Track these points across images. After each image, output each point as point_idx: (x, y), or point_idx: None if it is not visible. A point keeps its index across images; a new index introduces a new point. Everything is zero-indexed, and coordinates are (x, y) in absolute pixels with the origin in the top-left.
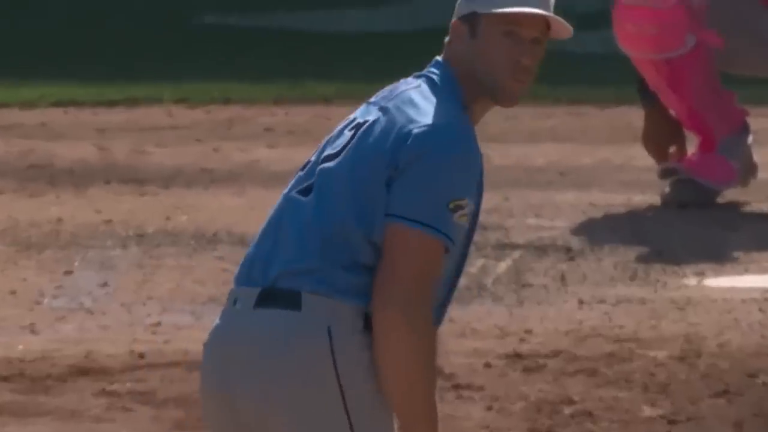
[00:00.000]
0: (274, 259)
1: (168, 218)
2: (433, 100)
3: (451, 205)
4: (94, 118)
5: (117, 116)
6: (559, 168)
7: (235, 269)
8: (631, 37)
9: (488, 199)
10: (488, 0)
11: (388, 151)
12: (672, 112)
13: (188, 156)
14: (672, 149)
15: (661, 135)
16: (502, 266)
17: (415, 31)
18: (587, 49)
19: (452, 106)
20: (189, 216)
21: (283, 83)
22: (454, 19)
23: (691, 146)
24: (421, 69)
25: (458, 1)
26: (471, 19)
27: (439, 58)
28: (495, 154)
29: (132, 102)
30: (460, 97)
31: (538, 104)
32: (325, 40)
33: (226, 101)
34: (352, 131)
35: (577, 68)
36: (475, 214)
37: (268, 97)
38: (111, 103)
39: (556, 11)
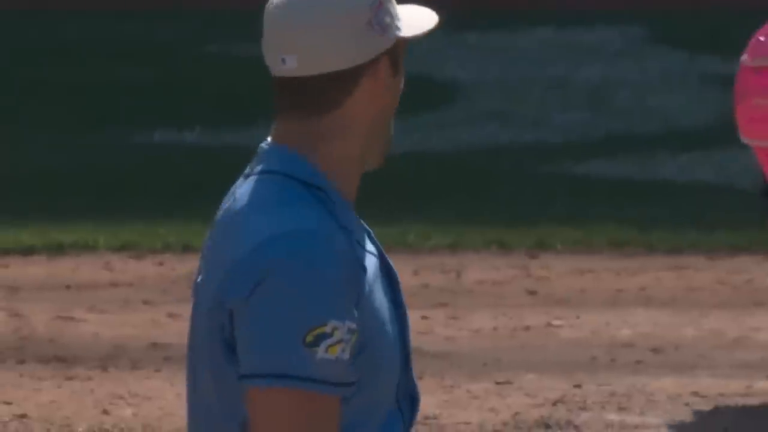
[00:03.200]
0: None
1: (106, 412)
2: (271, 204)
3: (309, 338)
4: (3, 272)
5: (35, 269)
6: (651, 343)
7: None
8: (761, 117)
9: (553, 387)
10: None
11: (214, 299)
12: None
13: (133, 325)
14: None
15: None
16: None
17: None
18: (692, 177)
19: (298, 204)
20: (135, 409)
21: None
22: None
23: None
24: None
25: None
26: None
27: None
28: (562, 324)
29: (55, 250)
30: (324, 185)
31: (622, 254)
32: None
33: (186, 248)
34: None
35: (678, 204)
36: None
37: None
38: (27, 251)
39: None
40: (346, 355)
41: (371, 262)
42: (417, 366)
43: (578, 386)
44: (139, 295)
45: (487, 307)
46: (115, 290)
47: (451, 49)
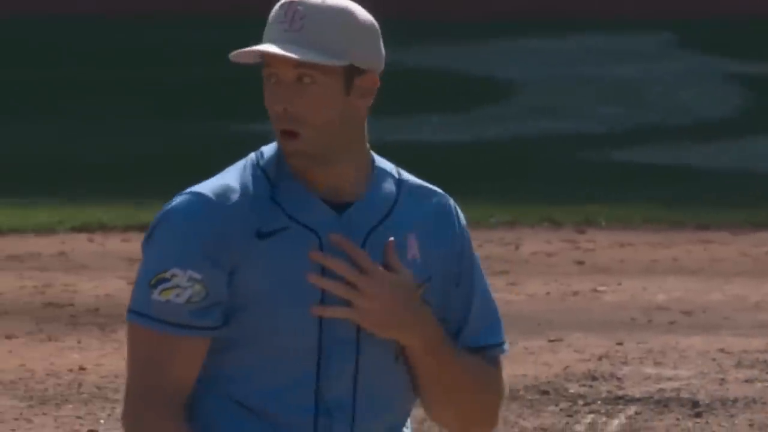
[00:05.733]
0: None
1: None
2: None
3: (153, 281)
4: (124, 246)
5: None
6: (682, 306)
7: None
8: None
9: (598, 344)
10: None
11: None
12: None
13: None
14: None
15: None
16: (615, 424)
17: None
18: (716, 164)
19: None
20: None
21: None
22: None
23: None
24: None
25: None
26: None
27: None
28: (605, 290)
29: None
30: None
31: (657, 230)
32: (403, 150)
33: None
34: None
35: (704, 186)
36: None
37: None
38: (143, 228)
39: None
40: (181, 300)
41: (292, 239)
42: None
43: (620, 344)
44: None
45: (540, 275)
46: None
47: (511, 53)
